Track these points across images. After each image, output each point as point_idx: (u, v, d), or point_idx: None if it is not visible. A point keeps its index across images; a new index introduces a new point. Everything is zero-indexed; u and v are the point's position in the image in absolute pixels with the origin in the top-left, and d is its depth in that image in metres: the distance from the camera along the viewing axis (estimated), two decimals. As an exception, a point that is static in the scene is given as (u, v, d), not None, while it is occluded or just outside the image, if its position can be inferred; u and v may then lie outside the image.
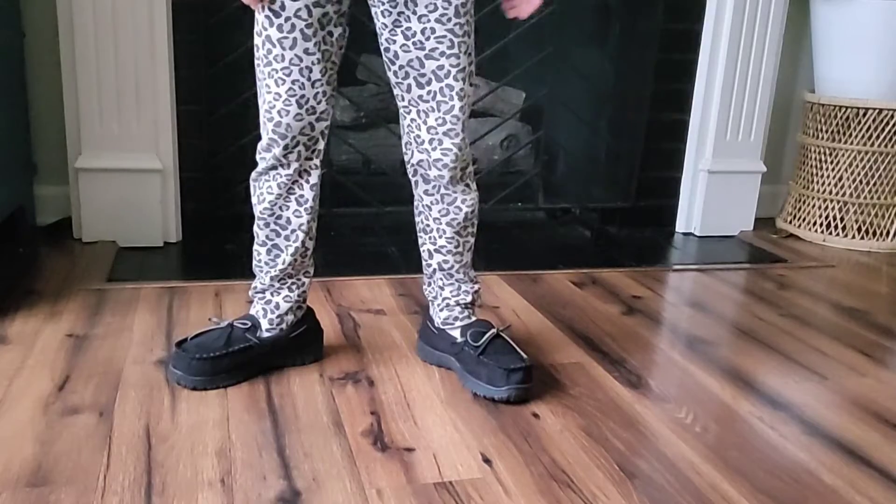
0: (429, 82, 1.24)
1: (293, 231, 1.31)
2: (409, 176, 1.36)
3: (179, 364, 1.29)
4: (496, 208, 2.33)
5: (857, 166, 2.33)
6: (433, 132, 1.27)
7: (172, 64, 1.97)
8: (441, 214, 1.34)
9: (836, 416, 1.32)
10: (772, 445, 1.21)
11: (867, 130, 2.30)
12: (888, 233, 2.36)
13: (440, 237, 1.36)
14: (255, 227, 1.33)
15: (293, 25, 1.18)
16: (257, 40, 1.21)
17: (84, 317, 1.57)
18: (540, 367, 1.44)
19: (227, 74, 2.04)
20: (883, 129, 2.29)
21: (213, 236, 2.11)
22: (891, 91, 2.29)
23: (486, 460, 1.13)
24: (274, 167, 1.27)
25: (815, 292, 1.95)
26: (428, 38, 1.21)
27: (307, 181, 1.29)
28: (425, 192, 1.34)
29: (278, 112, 1.22)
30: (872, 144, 2.31)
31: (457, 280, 1.39)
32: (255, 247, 1.35)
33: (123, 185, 1.98)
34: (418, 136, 1.29)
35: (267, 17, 1.18)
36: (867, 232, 2.37)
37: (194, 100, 2.04)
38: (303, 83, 1.21)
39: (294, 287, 1.36)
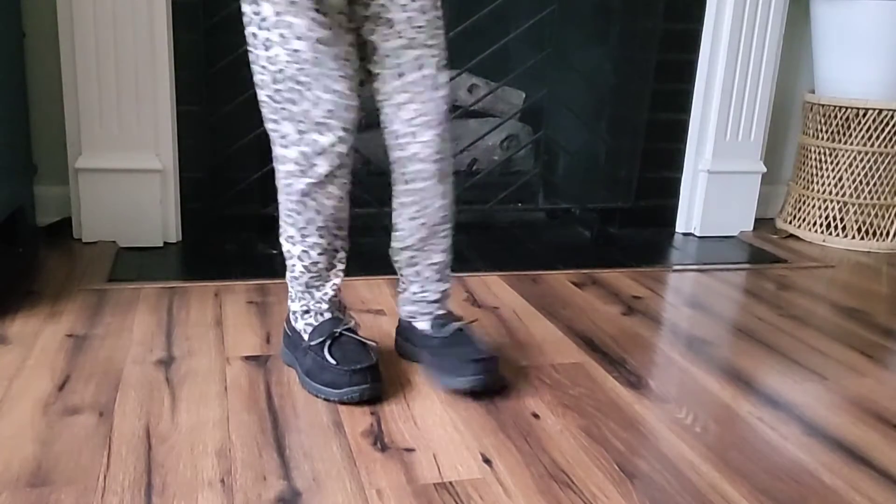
0: (404, 73, 1.24)
1: (347, 226, 1.32)
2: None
3: (339, 381, 1.25)
4: (496, 208, 2.33)
5: (857, 167, 2.33)
6: (411, 125, 1.26)
7: (172, 64, 1.97)
8: (421, 208, 1.31)
9: (836, 416, 1.32)
10: (772, 445, 1.21)
11: (867, 131, 2.30)
12: (888, 233, 2.36)
13: (409, 237, 1.34)
14: (311, 240, 1.29)
15: (339, 23, 1.21)
16: (299, 45, 1.20)
17: (84, 317, 1.57)
18: (540, 367, 1.44)
19: (227, 74, 2.04)
20: (883, 130, 2.29)
21: (213, 236, 2.11)
22: (891, 91, 2.29)
23: (486, 460, 1.13)
24: (334, 171, 1.24)
25: (815, 292, 1.95)
26: (416, 28, 1.22)
27: (351, 175, 1.29)
28: (404, 190, 1.31)
29: (345, 108, 1.22)
30: (872, 145, 2.31)
31: (426, 278, 1.38)
32: (314, 258, 1.30)
33: (123, 185, 1.98)
34: (394, 132, 1.28)
35: (312, 19, 1.19)
36: (867, 232, 2.37)
37: (194, 100, 2.04)
38: (354, 76, 1.23)
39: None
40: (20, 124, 1.99)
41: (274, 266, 1.91)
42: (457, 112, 2.34)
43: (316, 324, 1.33)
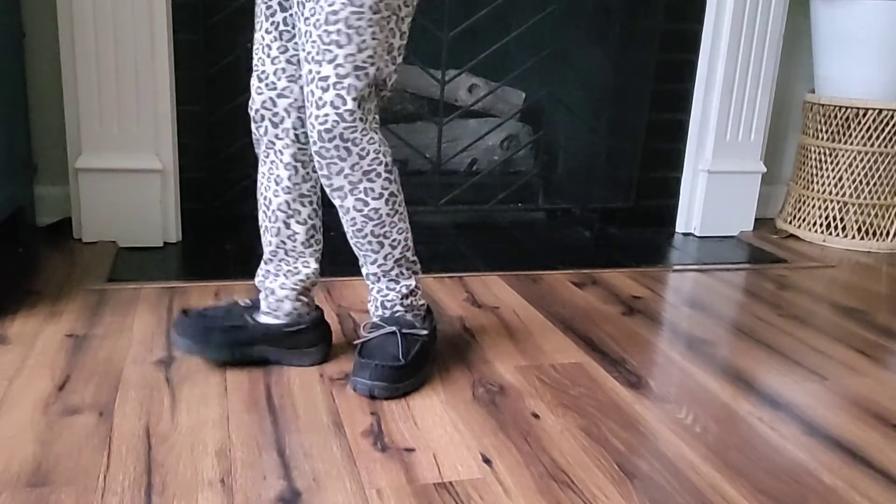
0: (306, 84, 1.24)
1: (273, 211, 1.35)
2: None
3: (177, 327, 1.35)
4: (496, 208, 2.33)
5: (857, 167, 2.33)
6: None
7: (172, 64, 1.97)
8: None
9: (836, 416, 1.32)
10: (772, 445, 1.21)
11: (867, 131, 2.30)
12: (888, 233, 2.36)
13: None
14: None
15: (260, 10, 1.28)
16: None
17: (84, 317, 1.57)
18: (540, 367, 1.44)
19: (227, 74, 2.04)
20: (883, 130, 2.29)
21: (213, 236, 2.11)
22: (891, 91, 2.29)
23: (486, 460, 1.13)
24: (254, 145, 1.35)
25: (815, 292, 1.95)
26: (305, 41, 1.20)
27: (280, 160, 1.33)
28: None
29: (252, 88, 1.32)
30: (872, 145, 2.31)
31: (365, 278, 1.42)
32: (260, 218, 1.39)
33: (123, 185, 1.98)
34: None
35: (257, 4, 1.29)
36: (867, 232, 2.37)
37: (194, 100, 2.04)
38: (264, 60, 1.30)
39: (289, 274, 1.37)
40: (20, 124, 1.99)
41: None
42: (457, 112, 2.34)
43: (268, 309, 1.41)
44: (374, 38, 1.18)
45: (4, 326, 1.51)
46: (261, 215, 1.37)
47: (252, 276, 1.84)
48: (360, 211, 1.28)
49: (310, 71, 1.20)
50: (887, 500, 1.09)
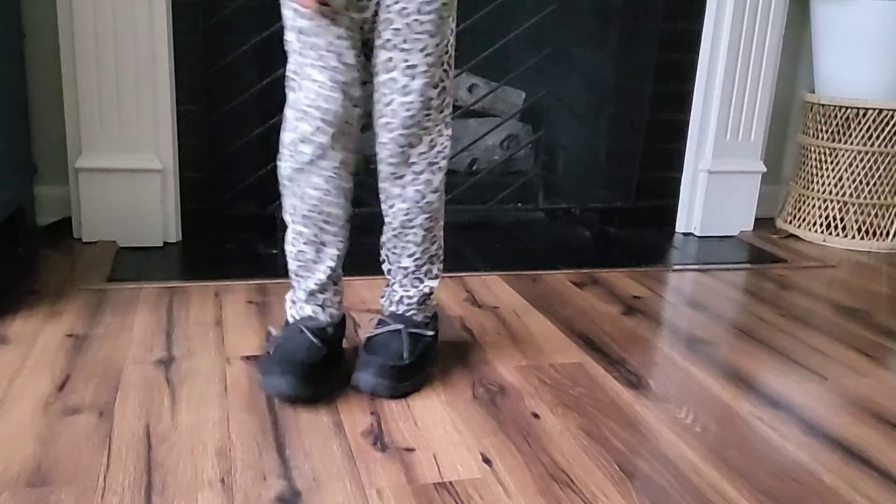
0: (380, 73, 1.26)
1: (339, 226, 1.31)
2: None
3: (274, 371, 1.23)
4: (496, 208, 2.32)
5: (857, 166, 2.33)
6: (377, 124, 1.31)
7: (172, 64, 1.97)
8: (385, 210, 1.38)
9: (836, 416, 1.32)
10: (772, 445, 1.21)
11: (867, 130, 2.30)
12: (888, 233, 2.36)
13: (384, 234, 1.40)
14: (297, 227, 1.30)
15: (322, 13, 1.19)
16: (289, 35, 1.23)
17: (84, 317, 1.57)
18: (540, 367, 1.44)
19: (227, 74, 2.04)
20: (883, 129, 2.29)
21: (213, 236, 2.11)
22: (891, 91, 2.29)
23: (486, 460, 1.13)
24: (315, 160, 1.25)
25: (815, 292, 1.95)
26: (387, 29, 1.23)
27: (349, 173, 1.30)
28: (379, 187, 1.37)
29: (324, 100, 1.22)
30: (872, 144, 2.31)
31: (397, 279, 1.42)
32: (301, 246, 1.31)
33: (123, 185, 1.98)
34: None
35: (294, 10, 1.20)
36: (867, 232, 2.37)
37: (194, 100, 2.04)
38: (340, 69, 1.22)
39: (339, 281, 1.37)
40: (20, 124, 1.99)
41: (274, 266, 1.91)
42: (457, 112, 2.34)
43: (292, 318, 1.34)
44: (452, 32, 1.26)
45: (4, 326, 1.50)
46: (315, 231, 1.29)
47: (252, 275, 1.84)
48: (417, 202, 1.31)
49: (390, 59, 1.22)
50: (887, 500, 1.09)
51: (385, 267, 1.41)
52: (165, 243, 2.05)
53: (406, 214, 1.33)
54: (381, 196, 1.35)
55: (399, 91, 1.24)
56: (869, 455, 1.20)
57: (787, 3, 2.29)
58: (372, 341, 1.35)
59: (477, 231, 2.31)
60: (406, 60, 1.22)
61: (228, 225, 2.13)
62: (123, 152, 1.97)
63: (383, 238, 1.38)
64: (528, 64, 2.30)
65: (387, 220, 1.36)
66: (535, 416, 1.26)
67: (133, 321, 1.56)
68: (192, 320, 1.58)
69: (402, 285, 1.38)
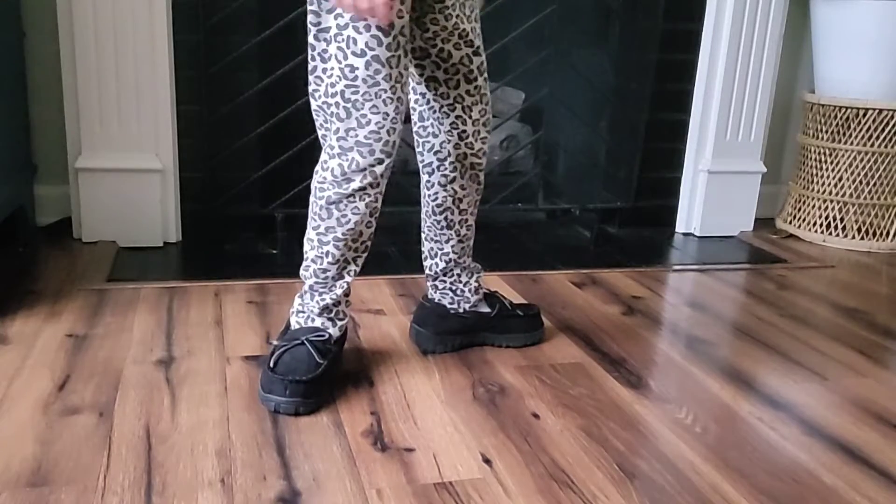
0: (475, 77, 1.34)
1: (365, 244, 1.31)
2: (439, 173, 1.39)
3: (276, 389, 1.23)
4: (496, 208, 2.33)
5: (857, 166, 2.33)
6: (477, 124, 1.37)
7: (172, 64, 1.97)
8: (469, 204, 1.44)
9: (836, 416, 1.32)
10: (772, 445, 1.21)
11: (867, 130, 2.30)
12: (888, 233, 2.36)
13: (462, 227, 1.45)
14: (326, 247, 1.28)
15: (399, 43, 1.17)
16: (356, 61, 1.16)
17: (84, 317, 1.57)
18: (540, 367, 1.44)
19: (227, 74, 2.04)
20: (883, 129, 2.29)
21: (213, 236, 2.11)
22: (891, 91, 2.29)
23: (486, 460, 1.13)
24: (364, 188, 1.23)
25: (815, 292, 1.95)
26: (477, 36, 1.32)
27: (382, 194, 1.29)
28: (461, 185, 1.40)
29: (387, 132, 1.20)
30: (872, 145, 2.31)
31: (470, 266, 1.50)
32: (325, 265, 1.30)
33: (123, 185, 1.98)
34: (464, 132, 1.36)
35: (374, 37, 1.15)
36: (867, 232, 2.37)
37: (194, 100, 2.04)
38: (403, 99, 1.21)
39: (350, 291, 1.38)
40: (20, 124, 1.99)
41: (274, 266, 1.91)
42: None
43: (296, 325, 1.33)
44: None
45: (4, 326, 1.51)
46: (344, 252, 1.29)
47: (252, 275, 1.84)
48: (481, 189, 1.46)
49: (482, 62, 1.35)
50: (887, 500, 1.09)
51: (457, 267, 1.49)
52: (165, 243, 2.05)
53: (471, 205, 1.46)
54: (467, 194, 1.42)
55: (488, 88, 1.37)
56: (869, 455, 1.20)
57: (787, 3, 2.29)
58: (499, 316, 1.51)
59: (477, 231, 2.31)
60: (484, 62, 1.35)
61: (228, 225, 2.13)
62: (123, 152, 1.97)
63: (462, 234, 1.46)
64: (528, 64, 2.30)
65: (467, 214, 1.45)
66: (535, 416, 1.26)
67: (133, 321, 1.56)
68: (192, 320, 1.58)
69: (473, 263, 1.52)
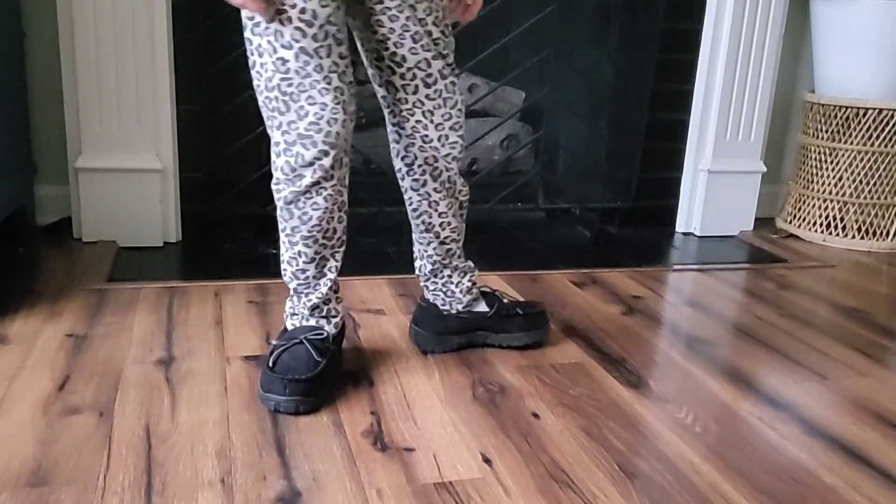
0: (435, 81, 1.29)
1: (339, 238, 1.31)
2: (409, 178, 1.38)
3: (276, 388, 1.23)
4: (496, 208, 2.33)
5: (857, 166, 2.33)
6: (442, 129, 1.33)
7: (172, 64, 1.97)
8: (448, 207, 1.41)
9: (836, 416, 1.32)
10: (772, 445, 1.21)
11: (867, 130, 2.30)
12: (888, 233, 2.36)
13: (445, 229, 1.42)
14: (297, 247, 1.28)
15: (327, 32, 1.17)
16: (286, 53, 1.16)
17: (84, 317, 1.57)
18: (540, 367, 1.44)
19: (227, 74, 2.04)
20: (883, 129, 2.29)
21: (213, 236, 2.11)
22: (891, 91, 2.29)
23: (486, 460, 1.13)
24: (318, 182, 1.23)
25: (815, 292, 1.95)
26: (437, 39, 1.27)
27: (346, 186, 1.29)
28: (434, 189, 1.38)
29: (328, 122, 1.19)
30: (872, 144, 2.31)
31: (461, 266, 1.48)
32: (300, 265, 1.30)
33: (123, 185, 1.98)
34: (426, 137, 1.33)
35: (298, 28, 1.15)
36: (867, 232, 2.37)
37: (194, 100, 2.04)
38: (343, 88, 1.20)
39: (339, 288, 1.37)
40: (20, 124, 1.99)
41: (274, 266, 1.91)
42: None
43: (292, 327, 1.33)
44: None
45: (4, 326, 1.51)
46: (316, 249, 1.29)
47: (252, 275, 1.84)
48: (465, 189, 1.43)
49: (444, 66, 1.29)
50: (887, 500, 1.09)
51: (446, 269, 1.47)
52: (165, 243, 2.05)
53: (467, 197, 1.45)
54: (442, 198, 1.39)
55: (456, 92, 1.32)
56: (869, 455, 1.20)
57: (787, 3, 2.29)
58: (499, 314, 1.50)
59: (477, 231, 2.31)
60: (450, 64, 1.30)
61: (228, 225, 2.13)
62: (123, 152, 1.97)
63: (442, 237, 1.43)
64: (527, 64, 2.30)
65: (448, 217, 1.42)
66: (535, 416, 1.26)
67: (133, 321, 1.56)
68: (192, 320, 1.58)
69: (466, 263, 1.50)
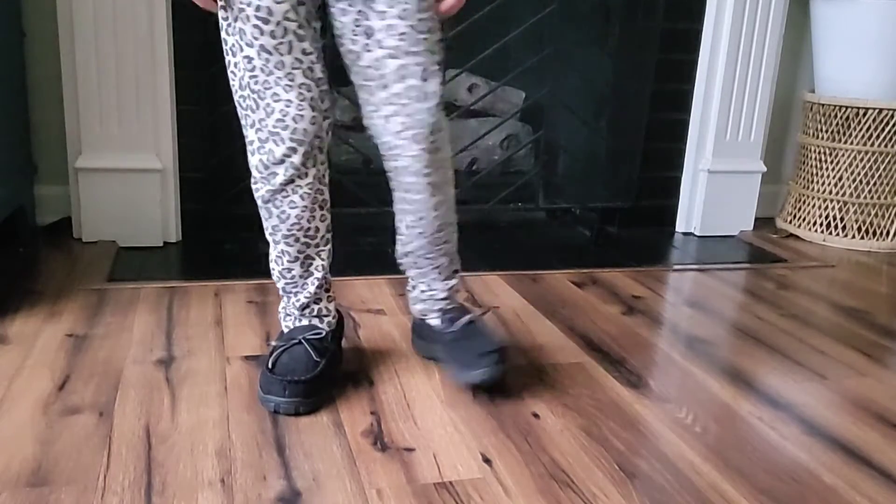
0: (390, 84, 1.19)
1: (322, 237, 1.30)
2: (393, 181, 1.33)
3: (275, 390, 1.22)
4: (496, 208, 2.33)
5: (857, 166, 2.33)
6: (402, 137, 1.22)
7: (172, 64, 1.97)
8: (413, 223, 1.32)
9: (836, 416, 1.32)
10: (772, 445, 1.21)
11: (867, 130, 2.30)
12: (888, 233, 2.36)
13: (410, 243, 1.35)
14: (280, 247, 1.28)
15: (285, 29, 1.15)
16: (249, 51, 1.16)
17: (84, 317, 1.57)
18: (540, 367, 1.44)
19: (228, 74, 2.04)
20: (883, 129, 2.29)
21: (213, 236, 2.11)
22: (891, 91, 2.29)
23: (486, 460, 1.13)
24: (292, 180, 1.22)
25: (815, 292, 1.95)
26: (401, 37, 1.17)
27: (325, 184, 1.27)
28: (401, 198, 1.31)
29: (293, 119, 1.19)
30: (872, 144, 2.31)
31: (432, 279, 1.38)
32: (285, 264, 1.30)
33: (123, 185, 1.98)
34: (386, 144, 1.25)
35: (255, 26, 1.14)
36: (867, 232, 2.37)
37: (194, 100, 2.04)
38: (308, 85, 1.19)
39: (330, 287, 1.36)
40: (20, 124, 1.99)
41: (274, 266, 1.91)
42: (457, 112, 2.34)
43: (287, 328, 1.33)
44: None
45: (4, 326, 1.51)
46: (298, 248, 1.28)
47: (252, 275, 1.84)
48: (445, 202, 1.30)
49: (403, 65, 1.18)
50: (887, 499, 1.09)
51: (412, 272, 1.39)
52: (165, 243, 2.05)
53: (441, 219, 1.31)
54: (407, 206, 1.30)
55: (417, 98, 1.19)
56: (869, 455, 1.20)
57: (787, 3, 2.29)
58: (456, 337, 1.34)
59: (477, 231, 2.31)
60: (418, 62, 1.18)
61: (228, 225, 2.13)
62: (123, 152, 1.97)
63: (408, 248, 1.35)
64: (527, 64, 2.30)
65: (415, 230, 1.32)
66: (535, 416, 1.26)
67: (133, 321, 1.56)
68: (192, 320, 1.58)
69: (442, 280, 1.38)
